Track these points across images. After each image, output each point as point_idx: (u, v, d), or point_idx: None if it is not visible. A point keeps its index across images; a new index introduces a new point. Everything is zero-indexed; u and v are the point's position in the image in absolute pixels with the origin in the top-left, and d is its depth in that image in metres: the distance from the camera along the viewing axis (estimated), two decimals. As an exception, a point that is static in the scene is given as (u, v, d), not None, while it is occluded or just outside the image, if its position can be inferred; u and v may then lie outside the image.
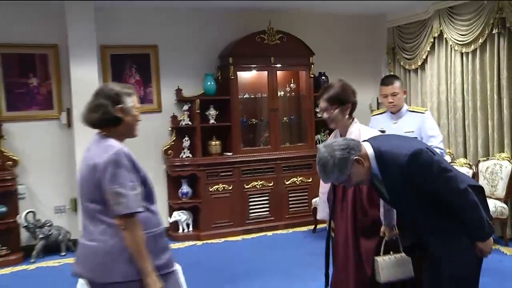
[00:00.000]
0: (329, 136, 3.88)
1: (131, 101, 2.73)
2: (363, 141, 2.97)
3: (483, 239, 2.79)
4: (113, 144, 2.64)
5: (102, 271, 2.61)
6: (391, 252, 3.33)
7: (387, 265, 3.29)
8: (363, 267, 3.44)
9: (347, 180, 2.83)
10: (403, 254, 3.33)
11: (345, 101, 3.49)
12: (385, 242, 3.36)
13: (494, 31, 6.20)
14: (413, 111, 4.37)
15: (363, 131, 3.49)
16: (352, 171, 2.78)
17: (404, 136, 3.32)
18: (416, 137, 4.02)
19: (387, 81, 4.41)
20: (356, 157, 2.78)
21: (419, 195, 2.79)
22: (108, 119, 2.67)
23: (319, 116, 7.54)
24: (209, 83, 7.09)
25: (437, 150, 3.92)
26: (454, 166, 3.15)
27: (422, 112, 4.37)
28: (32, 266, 6.04)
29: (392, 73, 8.03)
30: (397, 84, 4.34)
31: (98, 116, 2.66)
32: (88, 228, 2.68)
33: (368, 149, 2.84)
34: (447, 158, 4.45)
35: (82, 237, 2.74)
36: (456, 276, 2.87)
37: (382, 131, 4.07)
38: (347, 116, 3.54)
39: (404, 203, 2.90)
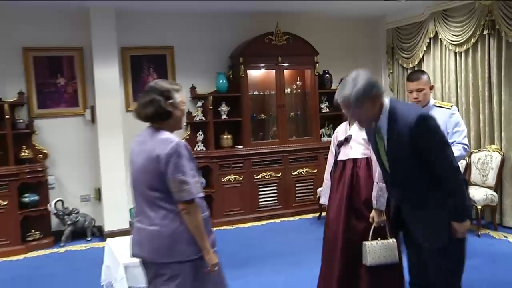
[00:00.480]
0: (336, 128, 4.06)
1: (179, 97, 2.86)
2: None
3: (460, 219, 2.84)
4: (170, 136, 2.78)
5: (165, 252, 2.74)
6: (379, 238, 3.51)
7: (375, 249, 3.46)
8: (351, 248, 3.63)
9: (354, 108, 2.79)
10: (390, 240, 3.50)
11: None
12: (373, 227, 3.53)
13: (484, 32, 6.43)
14: (439, 106, 4.10)
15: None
16: (364, 105, 2.76)
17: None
18: None
19: (413, 76, 4.13)
20: (374, 96, 2.77)
21: (415, 159, 2.81)
22: (161, 113, 2.79)
23: (323, 111, 7.85)
24: (221, 81, 7.31)
25: (459, 146, 3.94)
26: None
27: (449, 107, 4.10)
28: (62, 249, 6.31)
29: (391, 71, 8.27)
30: (423, 80, 4.05)
31: (152, 111, 2.79)
32: (147, 214, 2.79)
33: (386, 101, 2.85)
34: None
35: (139, 221, 2.86)
36: (431, 249, 2.95)
37: None
38: None
39: (399, 163, 2.91)
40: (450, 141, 3.82)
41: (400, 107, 2.85)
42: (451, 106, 4.11)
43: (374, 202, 3.53)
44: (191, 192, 2.69)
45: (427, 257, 2.99)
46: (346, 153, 3.76)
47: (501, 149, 6.42)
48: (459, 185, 2.81)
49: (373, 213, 3.53)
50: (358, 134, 3.73)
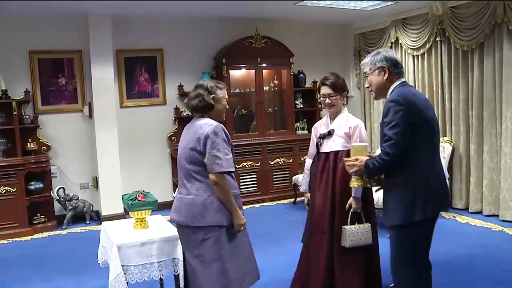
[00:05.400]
0: (318, 121, 4.01)
1: (221, 93, 3.14)
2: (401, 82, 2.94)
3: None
4: (211, 121, 3.05)
5: (197, 217, 2.97)
6: (356, 223, 3.55)
7: (353, 233, 3.50)
8: (335, 227, 3.62)
9: (366, 76, 3.02)
10: (365, 225, 3.54)
11: (344, 89, 3.72)
12: (351, 213, 3.54)
13: (437, 39, 6.67)
14: None
15: (350, 117, 3.72)
16: (374, 73, 2.96)
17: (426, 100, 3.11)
18: None
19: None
20: (384, 66, 2.93)
21: (382, 132, 2.87)
22: (204, 104, 3.08)
23: (298, 107, 7.98)
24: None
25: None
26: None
27: None
28: (64, 232, 6.42)
29: (358, 71, 8.34)
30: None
31: (196, 102, 3.09)
32: (185, 185, 3.04)
33: (399, 81, 2.93)
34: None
35: (179, 193, 3.11)
36: (390, 226, 2.93)
37: None
38: (343, 103, 3.74)
39: (380, 137, 2.96)
40: None
41: (402, 88, 2.89)
42: None
43: (352, 191, 3.54)
44: (222, 166, 2.94)
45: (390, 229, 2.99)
46: (329, 146, 3.71)
47: (451, 140, 6.65)
48: (383, 162, 2.79)
49: (351, 200, 3.55)
50: (339, 128, 3.70)
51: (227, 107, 3.24)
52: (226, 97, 3.21)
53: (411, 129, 2.77)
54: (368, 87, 3.12)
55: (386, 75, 2.93)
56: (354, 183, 3.14)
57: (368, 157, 2.97)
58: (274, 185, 7.73)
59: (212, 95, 3.09)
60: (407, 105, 2.76)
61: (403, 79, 2.98)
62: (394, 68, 2.94)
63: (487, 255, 4.88)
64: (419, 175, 2.82)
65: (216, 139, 2.94)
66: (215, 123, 3.01)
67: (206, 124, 3.00)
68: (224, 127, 3.06)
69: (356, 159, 2.98)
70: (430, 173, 2.85)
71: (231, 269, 3.02)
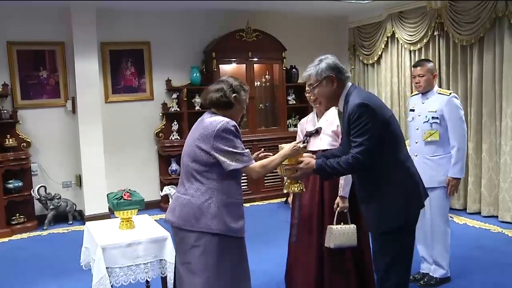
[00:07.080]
0: (304, 117, 4.04)
1: (244, 95, 3.00)
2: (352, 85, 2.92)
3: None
4: (222, 117, 2.87)
5: (190, 220, 2.82)
6: (342, 223, 3.53)
7: (338, 233, 3.47)
8: (322, 228, 3.63)
9: (313, 87, 2.91)
10: (350, 226, 3.52)
11: None
12: (337, 213, 3.53)
13: (435, 33, 6.68)
14: (440, 93, 4.19)
15: (337, 115, 3.60)
16: (322, 84, 2.87)
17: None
18: (438, 117, 4.08)
19: (416, 63, 4.33)
20: (331, 75, 2.85)
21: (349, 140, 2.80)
22: (224, 101, 2.91)
23: (290, 103, 7.99)
24: (195, 74, 7.35)
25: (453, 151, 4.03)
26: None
27: (447, 94, 4.16)
28: (45, 232, 6.33)
29: (352, 66, 8.38)
30: (424, 67, 4.19)
31: (217, 97, 2.91)
32: (184, 184, 2.89)
33: (348, 85, 2.87)
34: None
35: (177, 191, 2.97)
36: (381, 232, 2.86)
37: (412, 110, 4.30)
38: None
39: (347, 143, 2.88)
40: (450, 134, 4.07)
41: (355, 91, 2.83)
42: (450, 94, 4.17)
43: (340, 189, 3.56)
44: (243, 161, 2.79)
45: (372, 234, 2.96)
46: (316, 144, 3.70)
47: (450, 139, 6.66)
48: (349, 167, 2.75)
49: (338, 200, 3.56)
50: (327, 126, 3.70)
51: (244, 112, 3.11)
52: (248, 100, 3.08)
53: (386, 127, 2.75)
54: (315, 99, 3.05)
55: (335, 84, 2.87)
56: (292, 187, 3.03)
57: (314, 159, 2.89)
58: (265, 184, 7.71)
59: (235, 94, 2.95)
60: (376, 107, 2.74)
61: (350, 83, 2.93)
62: (340, 75, 2.88)
63: (486, 258, 4.86)
64: (404, 171, 2.83)
65: (228, 136, 2.80)
66: (226, 119, 2.86)
67: (216, 121, 2.85)
68: (237, 125, 2.89)
69: (299, 162, 2.87)
70: (411, 167, 2.86)
71: (217, 284, 2.85)
